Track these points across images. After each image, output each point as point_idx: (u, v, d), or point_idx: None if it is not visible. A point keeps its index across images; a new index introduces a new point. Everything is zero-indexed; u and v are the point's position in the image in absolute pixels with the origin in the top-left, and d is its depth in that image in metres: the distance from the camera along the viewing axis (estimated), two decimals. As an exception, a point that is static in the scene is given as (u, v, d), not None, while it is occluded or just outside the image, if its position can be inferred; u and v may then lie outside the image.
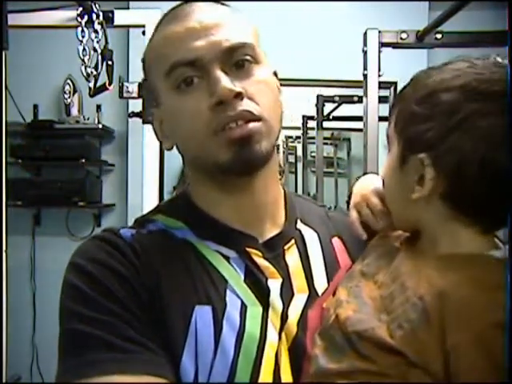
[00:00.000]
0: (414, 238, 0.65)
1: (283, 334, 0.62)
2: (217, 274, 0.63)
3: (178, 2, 0.68)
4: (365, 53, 1.70)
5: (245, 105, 0.62)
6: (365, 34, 1.70)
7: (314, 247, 0.71)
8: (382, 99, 1.77)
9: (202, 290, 0.62)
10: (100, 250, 0.63)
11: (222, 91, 0.61)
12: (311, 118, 2.86)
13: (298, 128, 2.98)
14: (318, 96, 2.77)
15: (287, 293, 0.64)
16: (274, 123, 0.65)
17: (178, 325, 0.59)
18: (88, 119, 2.77)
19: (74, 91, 2.75)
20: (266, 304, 0.63)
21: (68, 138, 2.76)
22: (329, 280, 0.68)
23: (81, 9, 1.67)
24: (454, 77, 0.57)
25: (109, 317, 0.57)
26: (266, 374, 0.59)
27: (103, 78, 1.68)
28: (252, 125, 0.62)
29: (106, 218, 2.90)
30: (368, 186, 0.76)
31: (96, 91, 1.70)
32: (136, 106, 1.77)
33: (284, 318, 0.62)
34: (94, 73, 1.67)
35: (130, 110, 1.78)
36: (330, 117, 2.84)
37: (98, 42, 1.67)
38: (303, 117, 2.95)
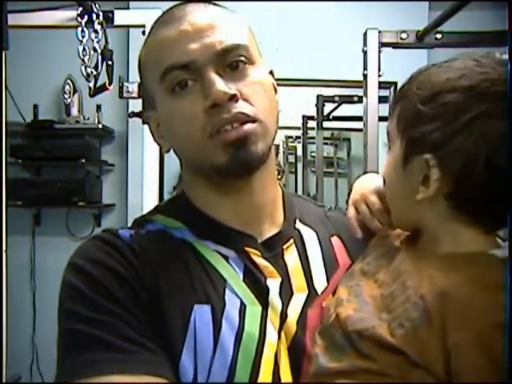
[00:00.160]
0: (415, 238, 0.65)
1: (282, 333, 0.62)
2: (216, 274, 0.63)
3: (178, 2, 0.68)
4: (365, 53, 1.70)
5: (240, 107, 0.62)
6: (365, 34, 1.70)
7: (313, 246, 0.71)
8: (382, 99, 1.77)
9: (201, 290, 0.62)
10: (99, 250, 0.63)
11: (216, 94, 0.61)
12: (311, 117, 2.86)
13: (298, 128, 2.98)
14: (317, 96, 2.76)
15: (286, 292, 0.65)
16: (270, 124, 0.65)
17: (177, 324, 0.59)
18: (88, 119, 2.77)
19: (74, 91, 2.75)
20: (265, 303, 0.63)
21: (68, 137, 2.76)
22: (328, 279, 0.68)
23: (81, 9, 1.67)
24: (461, 76, 0.56)
25: (108, 317, 0.57)
26: (265, 373, 0.59)
27: (103, 78, 1.68)
28: (247, 126, 0.62)
29: (106, 218, 2.90)
30: (368, 184, 0.76)
31: (96, 91, 1.70)
32: (136, 105, 1.77)
33: (283, 317, 0.62)
34: (94, 73, 1.67)
35: (130, 110, 1.78)
36: (330, 117, 2.84)
37: (98, 42, 1.67)
38: (303, 117, 2.95)
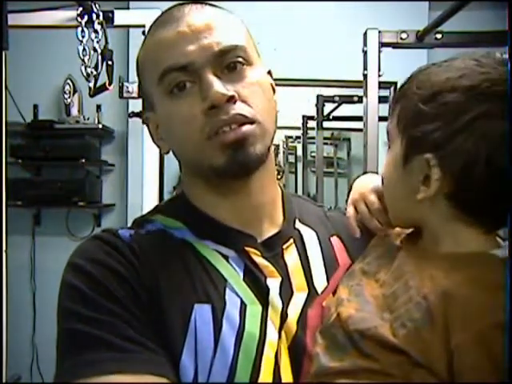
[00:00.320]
0: (415, 237, 0.65)
1: (283, 333, 0.62)
2: (216, 273, 0.63)
3: (176, 3, 0.68)
4: (365, 53, 1.70)
5: (238, 108, 0.62)
6: (365, 34, 1.70)
7: (312, 246, 0.71)
8: (382, 99, 1.77)
9: (202, 289, 0.62)
10: (99, 250, 0.63)
11: (214, 96, 0.61)
12: (311, 117, 2.86)
13: (298, 128, 2.98)
14: (317, 96, 2.76)
15: (286, 292, 0.65)
16: (269, 125, 0.65)
17: (178, 323, 0.59)
18: (88, 119, 2.77)
19: (74, 91, 2.74)
20: (265, 303, 0.63)
21: (68, 137, 2.76)
22: (328, 279, 0.68)
23: (81, 9, 1.67)
24: (461, 76, 0.56)
25: (108, 316, 0.57)
26: (265, 372, 0.59)
27: (103, 78, 1.68)
28: (246, 128, 0.62)
29: (106, 218, 2.90)
30: (367, 184, 0.76)
31: (96, 91, 1.70)
32: (136, 105, 1.78)
33: (284, 316, 0.62)
34: (94, 73, 1.67)
35: (130, 110, 1.79)
36: (330, 117, 2.84)
37: (98, 42, 1.67)
38: (303, 117, 2.95)
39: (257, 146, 0.63)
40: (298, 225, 0.72)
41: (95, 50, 1.67)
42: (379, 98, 1.71)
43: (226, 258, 0.65)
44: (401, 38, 1.69)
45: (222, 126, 0.62)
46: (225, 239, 0.66)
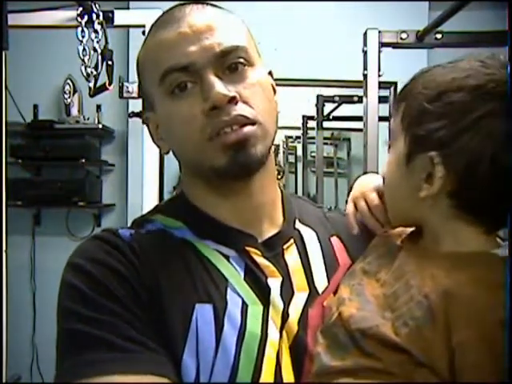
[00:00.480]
0: (415, 237, 0.65)
1: (284, 333, 0.62)
2: (217, 273, 0.63)
3: (178, 2, 0.68)
4: (365, 53, 1.70)
5: (239, 109, 0.62)
6: (365, 34, 1.70)
7: (313, 246, 0.71)
8: (382, 99, 1.77)
9: (203, 289, 0.62)
10: (99, 249, 0.63)
11: (215, 96, 0.61)
12: (311, 117, 2.86)
13: (298, 128, 2.98)
14: (317, 96, 2.76)
15: (287, 291, 0.65)
16: (270, 126, 0.65)
17: (179, 323, 0.59)
18: (88, 119, 2.77)
19: (74, 91, 2.74)
20: (266, 303, 0.63)
21: (68, 137, 2.76)
22: (329, 279, 0.68)
23: (81, 9, 1.67)
24: (467, 76, 0.57)
25: (109, 316, 0.57)
26: (267, 372, 0.59)
27: (103, 78, 1.68)
28: (247, 129, 0.62)
29: (106, 218, 2.90)
30: (369, 183, 0.76)
31: (96, 91, 1.70)
32: (136, 105, 1.78)
33: (285, 316, 0.62)
34: (94, 73, 1.67)
35: (130, 110, 1.79)
36: (330, 117, 2.84)
37: (98, 42, 1.67)
38: (303, 117, 2.95)
39: (258, 147, 0.63)
40: (298, 225, 0.73)
41: (95, 49, 1.67)
42: (379, 97, 1.71)
43: (226, 257, 0.65)
44: (401, 38, 1.69)
45: (224, 126, 0.62)
46: (225, 239, 0.66)
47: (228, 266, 0.64)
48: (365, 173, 1.70)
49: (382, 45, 1.68)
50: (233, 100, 0.62)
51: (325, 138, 2.91)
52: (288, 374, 0.60)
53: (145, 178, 1.74)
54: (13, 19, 1.48)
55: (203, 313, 0.60)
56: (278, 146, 3.04)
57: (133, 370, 0.54)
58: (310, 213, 0.77)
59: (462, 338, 0.49)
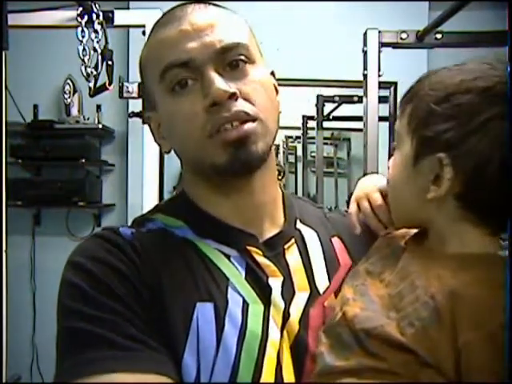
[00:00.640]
0: (419, 239, 0.65)
1: (285, 332, 0.62)
2: (218, 272, 0.63)
3: (177, 2, 0.68)
4: (365, 53, 1.70)
5: (239, 105, 0.62)
6: (365, 34, 1.70)
7: (314, 246, 0.71)
8: (382, 99, 1.77)
9: (204, 287, 0.62)
10: (100, 248, 0.63)
11: (215, 92, 0.60)
12: (311, 117, 2.86)
13: (298, 128, 2.98)
14: (317, 96, 2.76)
15: (288, 291, 0.65)
16: (270, 123, 0.65)
17: (180, 322, 0.59)
18: (88, 119, 2.77)
19: (74, 91, 2.75)
20: (267, 302, 0.63)
21: (68, 137, 2.76)
22: (329, 279, 0.68)
23: (81, 9, 1.67)
24: (475, 78, 0.57)
25: (110, 315, 0.57)
26: (268, 372, 0.59)
27: (103, 78, 1.68)
28: (248, 126, 0.62)
29: (105, 218, 2.90)
30: (372, 183, 0.77)
31: (96, 91, 1.70)
32: (136, 105, 1.77)
33: (286, 316, 0.62)
34: (94, 73, 1.67)
35: (130, 110, 1.78)
36: (330, 117, 2.84)
37: (98, 42, 1.67)
38: (303, 117, 2.95)
39: (259, 144, 0.63)
40: (299, 225, 0.73)
41: (95, 49, 1.67)
42: (379, 97, 1.71)
43: (227, 257, 0.65)
44: (401, 38, 1.70)
45: (224, 123, 0.61)
46: (226, 238, 0.66)
47: (229, 266, 0.64)
48: (365, 173, 1.70)
49: (382, 45, 1.69)
50: (233, 96, 0.62)
51: (325, 138, 2.91)
52: (289, 374, 0.60)
53: (145, 178, 1.74)
54: (13, 19, 1.48)
55: (204, 312, 0.60)
56: (278, 145, 3.04)
57: (133, 369, 0.54)
58: (310, 213, 0.77)
59: (469, 338, 0.49)
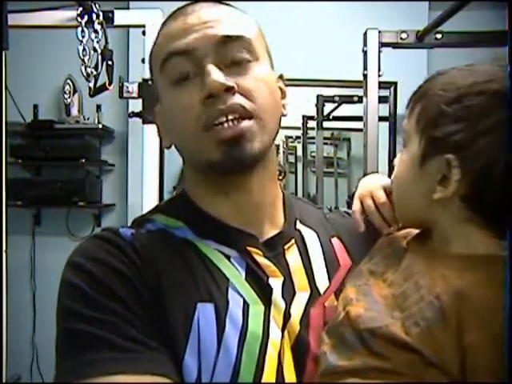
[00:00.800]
0: (422, 239, 0.65)
1: (286, 333, 0.62)
2: (218, 273, 0.63)
3: (177, 2, 0.68)
4: (365, 53, 1.70)
5: (236, 99, 0.62)
6: (365, 34, 1.70)
7: (314, 246, 0.71)
8: (382, 99, 1.77)
9: (204, 288, 0.62)
10: (100, 248, 0.62)
11: (211, 84, 0.60)
12: (311, 117, 2.85)
13: (298, 128, 2.98)
14: (317, 96, 2.76)
15: (288, 291, 0.65)
16: (269, 122, 0.64)
17: (180, 322, 0.59)
18: (88, 119, 2.77)
19: (74, 91, 2.74)
20: (267, 302, 0.63)
21: (68, 138, 2.76)
22: (330, 279, 0.68)
23: (81, 9, 1.67)
24: (487, 80, 0.56)
25: (110, 316, 0.57)
26: (269, 372, 0.59)
27: (103, 78, 1.68)
28: (243, 124, 0.62)
29: (106, 218, 2.90)
30: (375, 181, 0.77)
31: (96, 91, 1.70)
32: (136, 105, 1.77)
33: (286, 316, 0.62)
34: (94, 73, 1.67)
35: (130, 110, 1.78)
36: (330, 117, 2.84)
37: (98, 42, 1.67)
38: (303, 117, 2.94)
39: (254, 143, 0.62)
40: (299, 225, 0.73)
41: (95, 49, 1.67)
42: (379, 97, 1.71)
43: (227, 257, 0.65)
44: (401, 38, 1.70)
45: (219, 116, 0.61)
46: (226, 239, 0.66)
47: (229, 266, 0.64)
48: (365, 173, 1.70)
49: (382, 45, 1.69)
50: (230, 89, 0.61)
51: (325, 138, 2.91)
52: (290, 374, 0.60)
53: (145, 178, 1.74)
54: (13, 19, 1.48)
55: (205, 312, 0.60)
56: (278, 145, 3.04)
57: (134, 370, 0.54)
58: (310, 214, 0.77)
59: (474, 338, 0.49)
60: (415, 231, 0.68)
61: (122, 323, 0.57)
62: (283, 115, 0.70)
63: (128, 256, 0.62)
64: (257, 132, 0.63)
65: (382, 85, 1.77)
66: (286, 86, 0.74)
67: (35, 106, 2.84)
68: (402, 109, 2.33)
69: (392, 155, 2.30)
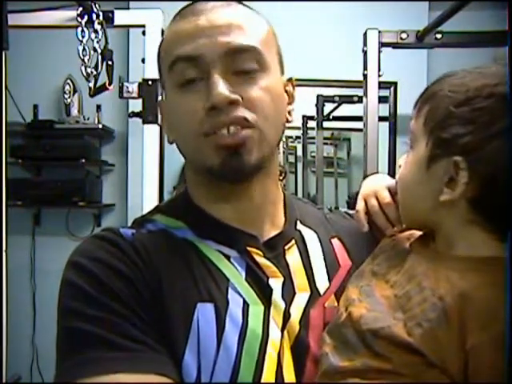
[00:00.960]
0: (425, 240, 0.65)
1: (285, 333, 0.62)
2: (218, 273, 0.63)
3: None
4: (365, 53, 1.70)
5: (239, 111, 0.61)
6: (365, 34, 1.70)
7: (314, 247, 0.71)
8: (382, 99, 1.77)
9: (204, 288, 0.62)
10: (100, 248, 0.63)
11: (216, 97, 0.60)
12: (311, 117, 2.85)
13: (298, 128, 2.98)
14: (317, 96, 2.76)
15: (288, 292, 0.65)
16: (270, 132, 0.64)
17: (180, 322, 0.59)
18: (88, 119, 2.77)
19: (74, 91, 2.74)
20: (267, 303, 0.63)
21: (68, 138, 2.76)
22: (329, 279, 0.69)
23: (81, 9, 1.67)
24: (498, 83, 0.56)
25: (110, 315, 0.57)
26: (268, 372, 0.59)
27: (103, 78, 1.68)
28: (244, 133, 0.61)
29: (106, 218, 2.90)
30: (380, 180, 0.77)
31: (96, 91, 1.70)
32: (136, 105, 1.77)
33: (286, 316, 0.63)
34: (94, 73, 1.67)
35: (130, 110, 1.77)
36: (330, 117, 2.83)
37: (98, 42, 1.67)
38: (303, 117, 2.94)
39: (253, 153, 0.62)
40: (300, 226, 0.73)
41: (95, 49, 1.66)
42: (379, 98, 1.71)
43: (227, 257, 0.65)
44: (401, 38, 1.70)
45: (220, 127, 0.61)
46: (227, 239, 0.66)
47: (229, 266, 0.64)
48: (365, 173, 1.70)
49: (382, 45, 1.69)
50: (234, 102, 0.61)
51: (325, 138, 2.91)
52: (289, 374, 0.60)
53: (145, 178, 1.74)
54: (13, 19, 1.48)
55: (204, 312, 0.60)
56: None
57: (134, 370, 0.54)
58: (310, 214, 0.77)
59: (477, 340, 0.49)
60: (418, 233, 0.68)
61: (122, 322, 0.57)
62: (288, 121, 0.69)
63: (128, 256, 0.62)
64: (257, 142, 0.62)
65: (382, 85, 1.77)
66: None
67: (35, 106, 2.84)
68: (402, 109, 2.33)
69: (392, 155, 2.30)
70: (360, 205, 0.75)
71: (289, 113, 0.71)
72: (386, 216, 0.73)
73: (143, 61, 1.67)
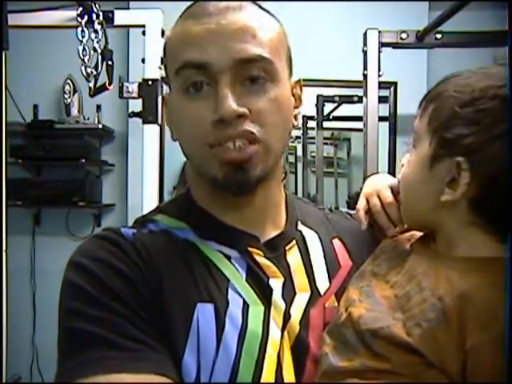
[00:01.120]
0: (425, 241, 0.65)
1: (285, 333, 0.62)
2: (218, 273, 0.63)
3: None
4: (365, 53, 1.70)
5: (246, 125, 0.60)
6: (365, 34, 1.70)
7: (314, 247, 0.71)
8: (382, 99, 1.77)
9: (204, 288, 0.62)
10: (101, 248, 0.63)
11: (224, 111, 0.59)
12: (311, 118, 2.85)
13: (298, 128, 2.98)
14: (317, 96, 2.76)
15: (289, 292, 0.65)
16: (276, 145, 0.63)
17: (180, 322, 0.59)
18: (88, 119, 2.77)
19: (74, 91, 2.74)
20: (267, 303, 0.63)
21: (68, 138, 2.76)
22: (330, 279, 0.69)
23: (81, 9, 1.67)
24: (503, 85, 0.56)
25: (111, 315, 0.57)
26: (268, 372, 0.59)
27: (103, 78, 1.68)
28: (250, 149, 0.61)
29: (106, 218, 2.90)
30: (382, 180, 0.77)
31: (96, 91, 1.70)
32: (136, 105, 1.77)
33: (286, 316, 0.63)
34: (94, 73, 1.67)
35: (130, 110, 1.77)
36: (330, 117, 2.83)
37: (98, 42, 1.67)
38: (303, 117, 2.94)
39: (258, 168, 0.62)
40: (300, 226, 0.73)
41: (95, 49, 1.66)
42: (379, 98, 1.71)
43: (228, 258, 0.65)
44: (401, 38, 1.70)
45: (226, 140, 0.60)
46: (228, 239, 0.66)
47: (230, 267, 0.64)
48: (365, 173, 1.70)
49: (382, 45, 1.69)
50: (242, 116, 0.60)
51: (325, 138, 2.91)
52: (289, 374, 0.60)
53: (145, 178, 1.74)
54: (13, 19, 1.48)
55: (204, 312, 0.60)
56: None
57: (134, 369, 0.54)
58: (311, 214, 0.77)
59: (477, 341, 0.49)
60: (419, 234, 0.68)
61: (122, 322, 0.57)
62: (294, 127, 0.69)
63: (129, 256, 0.62)
64: (262, 156, 0.62)
65: (382, 85, 1.77)
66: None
67: (35, 106, 2.84)
68: (401, 109, 2.33)
69: (392, 155, 2.30)
70: (361, 203, 0.75)
71: (295, 117, 0.69)
72: (387, 215, 0.73)
73: (143, 61, 1.67)
